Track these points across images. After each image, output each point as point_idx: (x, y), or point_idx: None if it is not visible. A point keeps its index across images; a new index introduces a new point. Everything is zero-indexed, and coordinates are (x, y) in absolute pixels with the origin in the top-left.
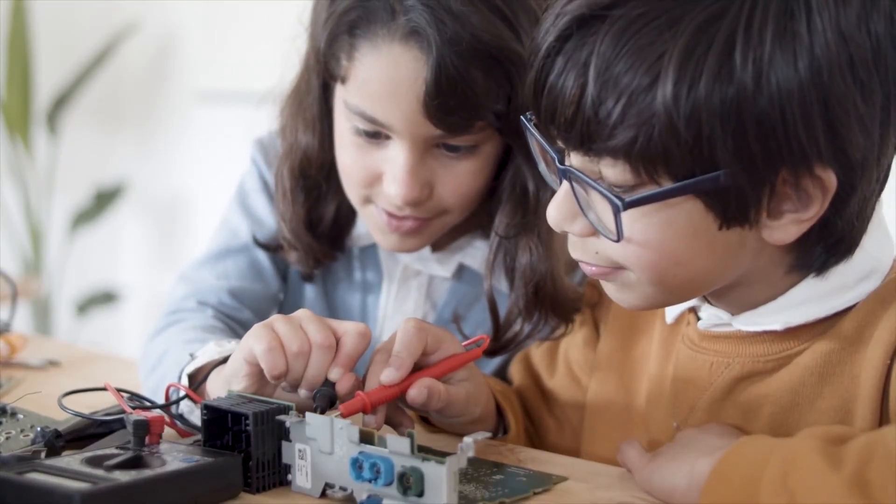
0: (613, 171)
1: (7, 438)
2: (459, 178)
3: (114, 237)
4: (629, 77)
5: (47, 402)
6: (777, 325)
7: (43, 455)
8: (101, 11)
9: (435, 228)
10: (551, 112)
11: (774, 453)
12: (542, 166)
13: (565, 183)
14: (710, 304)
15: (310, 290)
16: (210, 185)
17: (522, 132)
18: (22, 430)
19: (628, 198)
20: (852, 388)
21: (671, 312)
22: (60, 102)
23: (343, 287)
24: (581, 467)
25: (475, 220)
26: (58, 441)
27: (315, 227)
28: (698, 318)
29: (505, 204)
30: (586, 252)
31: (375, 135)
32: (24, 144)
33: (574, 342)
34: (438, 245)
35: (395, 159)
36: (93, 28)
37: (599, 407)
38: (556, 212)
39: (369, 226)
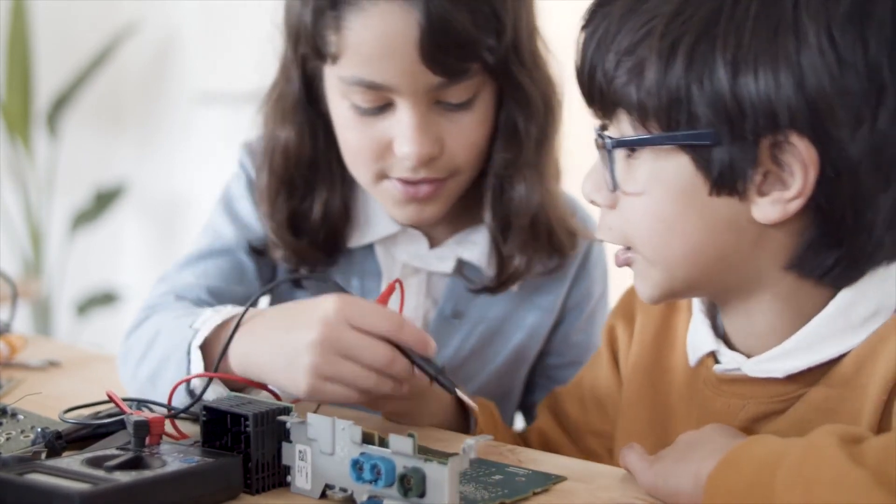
0: (620, 129)
1: (7, 439)
2: (466, 130)
3: (114, 238)
4: (624, 35)
5: (48, 402)
6: (779, 374)
7: (43, 456)
8: (101, 11)
9: (449, 192)
10: (582, 86)
11: (790, 446)
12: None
13: (598, 155)
14: (728, 347)
15: (303, 297)
16: (210, 186)
17: (511, 70)
18: (22, 431)
19: (618, 140)
20: (853, 423)
21: (694, 354)
22: (60, 103)
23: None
24: (581, 467)
25: (472, 214)
26: (58, 442)
27: (298, 228)
28: (717, 362)
29: (498, 142)
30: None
31: (378, 108)
32: (24, 145)
33: (598, 380)
34: (436, 241)
35: (401, 121)
36: (93, 28)
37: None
38: (588, 182)
39: (385, 203)
